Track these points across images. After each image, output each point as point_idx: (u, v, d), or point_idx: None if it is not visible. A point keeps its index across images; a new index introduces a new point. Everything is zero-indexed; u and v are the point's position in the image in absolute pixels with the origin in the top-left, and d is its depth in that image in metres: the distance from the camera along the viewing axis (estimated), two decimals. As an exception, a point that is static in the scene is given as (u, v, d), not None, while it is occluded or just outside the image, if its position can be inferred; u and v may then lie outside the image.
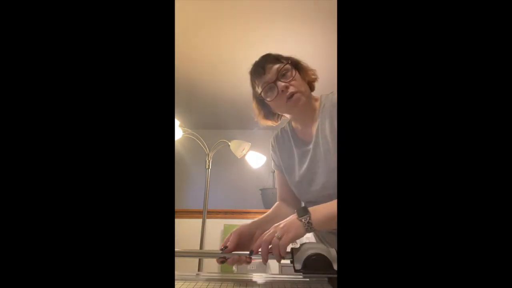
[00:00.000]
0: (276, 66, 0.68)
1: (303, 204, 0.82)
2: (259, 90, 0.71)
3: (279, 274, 0.57)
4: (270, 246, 0.52)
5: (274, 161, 0.86)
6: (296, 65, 0.71)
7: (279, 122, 0.81)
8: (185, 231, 2.53)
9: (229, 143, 1.90)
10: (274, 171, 1.00)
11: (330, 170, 0.68)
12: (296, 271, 0.51)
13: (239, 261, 0.59)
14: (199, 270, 1.78)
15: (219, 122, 2.79)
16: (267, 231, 0.55)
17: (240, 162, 2.22)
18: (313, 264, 0.50)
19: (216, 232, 2.45)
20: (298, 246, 0.54)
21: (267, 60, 0.70)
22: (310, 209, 0.55)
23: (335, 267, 0.50)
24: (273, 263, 2.33)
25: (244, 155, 1.88)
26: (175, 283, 0.48)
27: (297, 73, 0.69)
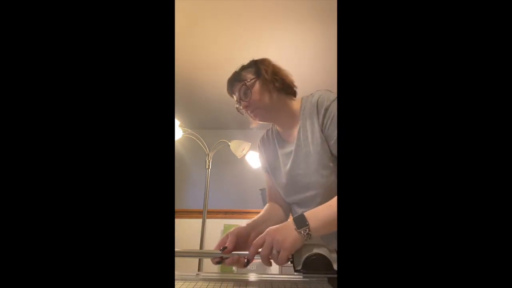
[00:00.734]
0: (238, 87, 0.72)
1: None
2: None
3: (279, 274, 0.57)
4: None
5: (261, 162, 0.88)
6: (258, 77, 0.72)
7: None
8: (185, 231, 2.53)
9: (229, 143, 1.90)
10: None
11: (311, 172, 0.69)
12: (296, 271, 0.51)
13: (238, 262, 0.59)
14: (199, 270, 1.78)
15: (219, 122, 2.79)
16: (262, 237, 0.53)
17: (240, 162, 2.22)
18: (313, 264, 0.50)
19: (216, 232, 2.45)
20: None
21: (230, 82, 0.75)
22: (307, 216, 0.54)
23: (335, 267, 0.50)
24: (273, 263, 2.32)
25: (244, 155, 1.88)
26: (175, 283, 0.48)
27: (258, 87, 0.71)
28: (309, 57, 2.11)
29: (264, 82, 0.71)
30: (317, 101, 0.69)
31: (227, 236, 0.61)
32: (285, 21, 1.79)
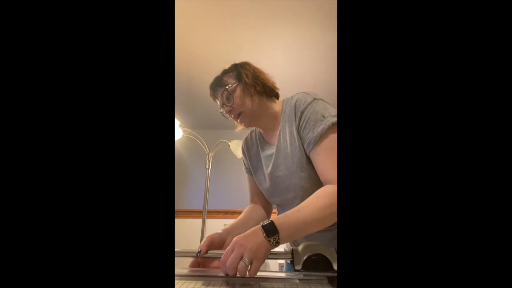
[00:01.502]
0: (220, 92, 0.74)
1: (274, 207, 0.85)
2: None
3: (278, 273, 0.57)
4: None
5: (244, 164, 0.88)
6: (239, 82, 0.73)
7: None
8: (185, 231, 2.53)
9: (229, 143, 1.90)
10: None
11: (291, 174, 0.69)
12: (296, 271, 0.51)
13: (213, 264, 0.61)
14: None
15: (219, 122, 2.79)
16: (230, 249, 0.48)
17: (240, 162, 2.22)
18: (313, 264, 0.50)
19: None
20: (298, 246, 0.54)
21: (213, 87, 0.76)
22: (277, 223, 0.51)
23: (335, 267, 0.50)
24: (273, 263, 2.33)
25: (244, 155, 1.88)
26: (175, 283, 0.48)
27: (239, 92, 0.72)
28: (309, 57, 2.11)
29: (245, 87, 0.72)
30: (295, 104, 0.69)
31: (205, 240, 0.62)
32: (285, 21, 1.79)
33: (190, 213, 2.76)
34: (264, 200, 0.84)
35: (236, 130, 0.82)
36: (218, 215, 2.72)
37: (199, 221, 2.11)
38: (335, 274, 0.49)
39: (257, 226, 0.51)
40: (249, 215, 0.80)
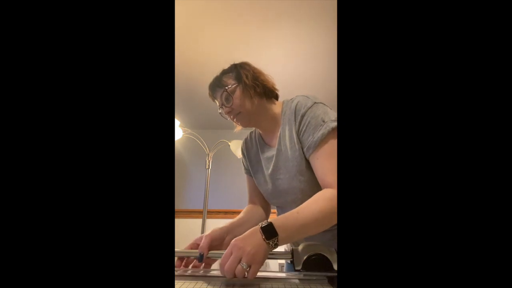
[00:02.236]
0: (219, 93, 0.73)
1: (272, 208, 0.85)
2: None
3: (278, 273, 0.57)
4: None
5: (244, 165, 0.88)
6: (239, 83, 0.72)
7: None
8: (185, 231, 2.53)
9: (229, 143, 1.90)
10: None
11: (290, 177, 0.69)
12: (296, 271, 0.51)
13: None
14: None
15: (219, 122, 2.78)
16: (228, 252, 0.48)
17: (240, 162, 2.22)
18: (313, 264, 0.50)
19: (216, 232, 2.44)
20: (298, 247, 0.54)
21: (212, 87, 0.75)
22: (276, 225, 0.51)
23: (335, 267, 0.50)
24: (273, 263, 2.33)
25: (244, 155, 1.88)
26: (175, 283, 0.48)
27: (239, 93, 0.71)
28: (309, 57, 2.11)
29: (245, 88, 0.71)
30: (295, 107, 0.69)
31: (201, 237, 0.61)
32: (285, 21, 1.79)
33: (190, 213, 2.76)
34: (263, 200, 0.84)
35: (235, 130, 0.81)
36: (218, 215, 2.71)
37: (199, 221, 2.11)
38: (335, 274, 0.49)
39: (255, 227, 0.51)
40: (248, 215, 0.80)
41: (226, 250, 0.48)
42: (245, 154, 0.86)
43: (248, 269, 0.46)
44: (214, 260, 0.63)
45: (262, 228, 0.50)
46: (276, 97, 0.78)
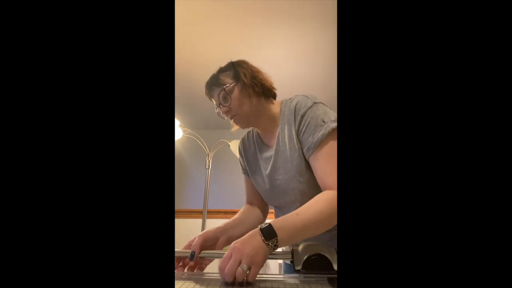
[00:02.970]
0: (216, 92, 0.71)
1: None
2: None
3: (278, 274, 0.57)
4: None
5: (241, 165, 0.86)
6: (237, 82, 0.70)
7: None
8: (185, 231, 2.53)
9: (229, 143, 1.90)
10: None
11: (290, 178, 0.68)
12: (296, 271, 0.51)
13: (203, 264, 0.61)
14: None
15: (219, 122, 2.78)
16: (228, 255, 0.47)
17: (240, 162, 2.21)
18: (313, 264, 0.50)
19: (216, 232, 2.44)
20: (298, 246, 0.54)
21: (209, 86, 0.73)
22: (276, 226, 0.50)
23: (335, 267, 0.50)
24: (273, 263, 2.33)
25: (244, 155, 1.88)
26: (175, 283, 0.48)
27: (237, 92, 0.69)
28: (309, 57, 2.11)
29: (243, 87, 0.70)
30: (295, 107, 0.68)
31: (194, 238, 0.61)
32: (285, 21, 1.79)
33: (190, 213, 2.76)
34: (260, 201, 0.83)
35: (232, 130, 0.80)
36: (218, 215, 2.71)
37: (199, 221, 2.11)
38: (335, 275, 0.49)
39: (255, 229, 0.51)
40: (245, 215, 0.80)
41: (226, 253, 0.48)
42: (243, 154, 0.84)
43: (248, 271, 0.46)
44: (210, 261, 0.63)
45: (261, 229, 0.50)
46: (274, 96, 0.77)
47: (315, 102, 0.66)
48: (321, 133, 0.62)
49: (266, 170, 0.75)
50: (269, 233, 0.49)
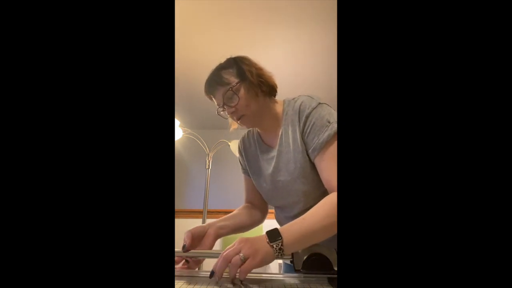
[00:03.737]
0: (220, 91, 0.67)
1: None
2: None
3: (278, 274, 0.57)
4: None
5: (241, 164, 0.85)
6: (242, 80, 0.67)
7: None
8: (185, 231, 2.53)
9: (229, 143, 1.90)
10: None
11: (293, 179, 0.67)
12: (296, 271, 0.51)
13: (198, 262, 0.62)
14: (199, 269, 1.77)
15: (219, 122, 2.78)
16: (233, 245, 0.48)
17: (240, 162, 2.21)
18: (313, 264, 0.50)
19: (216, 232, 2.44)
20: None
21: (210, 84, 0.69)
22: (281, 230, 0.51)
23: (335, 267, 0.50)
24: (273, 263, 2.33)
25: (244, 155, 1.87)
26: (175, 283, 0.48)
27: (244, 91, 0.66)
28: (309, 57, 2.11)
29: (250, 86, 0.66)
30: (299, 107, 0.66)
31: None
32: (285, 21, 1.79)
33: (190, 213, 2.76)
34: (260, 200, 0.82)
35: (230, 130, 0.77)
36: (218, 215, 2.71)
37: (199, 221, 2.11)
38: (335, 275, 0.49)
39: (263, 234, 0.52)
40: (238, 212, 0.79)
41: (231, 245, 0.49)
42: (243, 153, 0.82)
43: (243, 263, 0.46)
44: (201, 260, 0.63)
45: (267, 232, 0.51)
46: (275, 95, 0.75)
47: (319, 103, 0.65)
48: (326, 133, 0.61)
49: (267, 171, 0.73)
50: (273, 235, 0.50)
